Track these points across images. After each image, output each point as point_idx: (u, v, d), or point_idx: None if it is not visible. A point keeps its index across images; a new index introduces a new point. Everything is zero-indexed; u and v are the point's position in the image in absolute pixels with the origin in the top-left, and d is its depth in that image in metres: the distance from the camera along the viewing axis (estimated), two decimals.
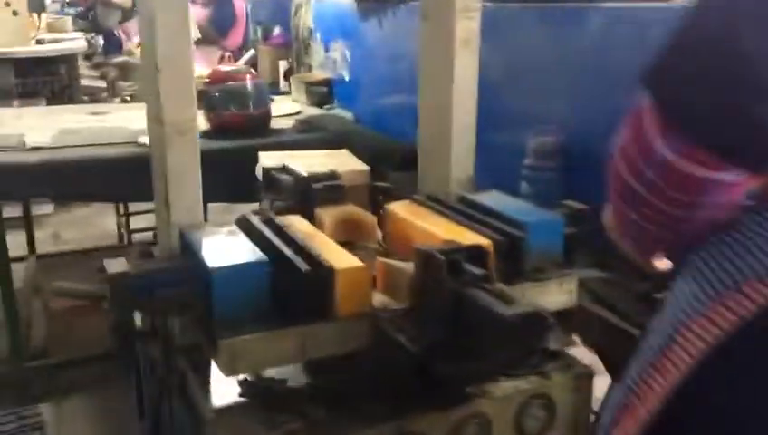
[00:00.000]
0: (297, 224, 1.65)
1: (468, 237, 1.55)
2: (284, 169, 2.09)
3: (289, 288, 1.39)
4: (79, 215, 4.99)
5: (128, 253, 1.74)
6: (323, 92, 3.94)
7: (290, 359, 1.40)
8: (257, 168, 3.00)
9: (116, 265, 1.40)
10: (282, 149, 2.86)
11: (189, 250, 1.49)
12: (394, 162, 3.03)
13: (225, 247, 1.46)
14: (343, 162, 2.97)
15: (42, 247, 4.12)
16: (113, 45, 6.30)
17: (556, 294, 1.60)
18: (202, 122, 3.47)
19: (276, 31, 7.04)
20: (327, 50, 3.99)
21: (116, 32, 6.36)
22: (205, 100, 3.33)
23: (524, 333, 1.16)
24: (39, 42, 4.93)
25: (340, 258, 1.42)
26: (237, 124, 3.22)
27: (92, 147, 2.86)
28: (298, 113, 3.55)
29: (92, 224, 4.87)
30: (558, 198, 2.00)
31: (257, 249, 1.44)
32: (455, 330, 1.28)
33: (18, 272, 3.33)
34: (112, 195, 3.32)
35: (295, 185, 1.88)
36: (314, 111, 3.70)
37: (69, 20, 5.99)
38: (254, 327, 1.34)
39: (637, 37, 1.93)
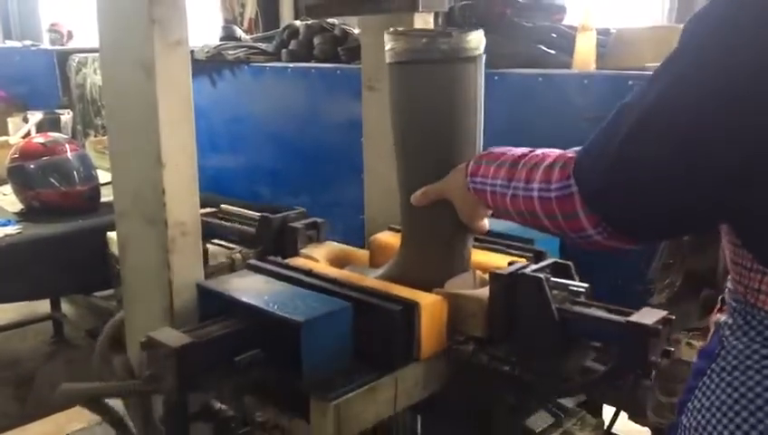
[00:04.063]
0: (314, 265, 1.48)
1: (494, 259, 1.52)
2: (219, 213, 1.88)
3: (369, 333, 1.24)
4: None
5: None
6: None
7: (384, 412, 1.24)
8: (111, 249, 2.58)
9: (169, 336, 1.12)
10: None
11: (231, 306, 1.25)
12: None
13: (283, 296, 1.25)
14: None
15: None
16: None
17: None
18: (10, 203, 2.94)
19: None
20: None
21: None
22: (17, 177, 2.84)
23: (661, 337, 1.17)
24: None
25: (414, 294, 1.30)
26: (65, 203, 2.81)
27: None
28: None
29: None
30: None
31: (323, 295, 1.27)
32: (561, 349, 1.24)
33: None
34: None
35: (265, 227, 1.69)
36: None
37: None
38: (348, 383, 1.17)
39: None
